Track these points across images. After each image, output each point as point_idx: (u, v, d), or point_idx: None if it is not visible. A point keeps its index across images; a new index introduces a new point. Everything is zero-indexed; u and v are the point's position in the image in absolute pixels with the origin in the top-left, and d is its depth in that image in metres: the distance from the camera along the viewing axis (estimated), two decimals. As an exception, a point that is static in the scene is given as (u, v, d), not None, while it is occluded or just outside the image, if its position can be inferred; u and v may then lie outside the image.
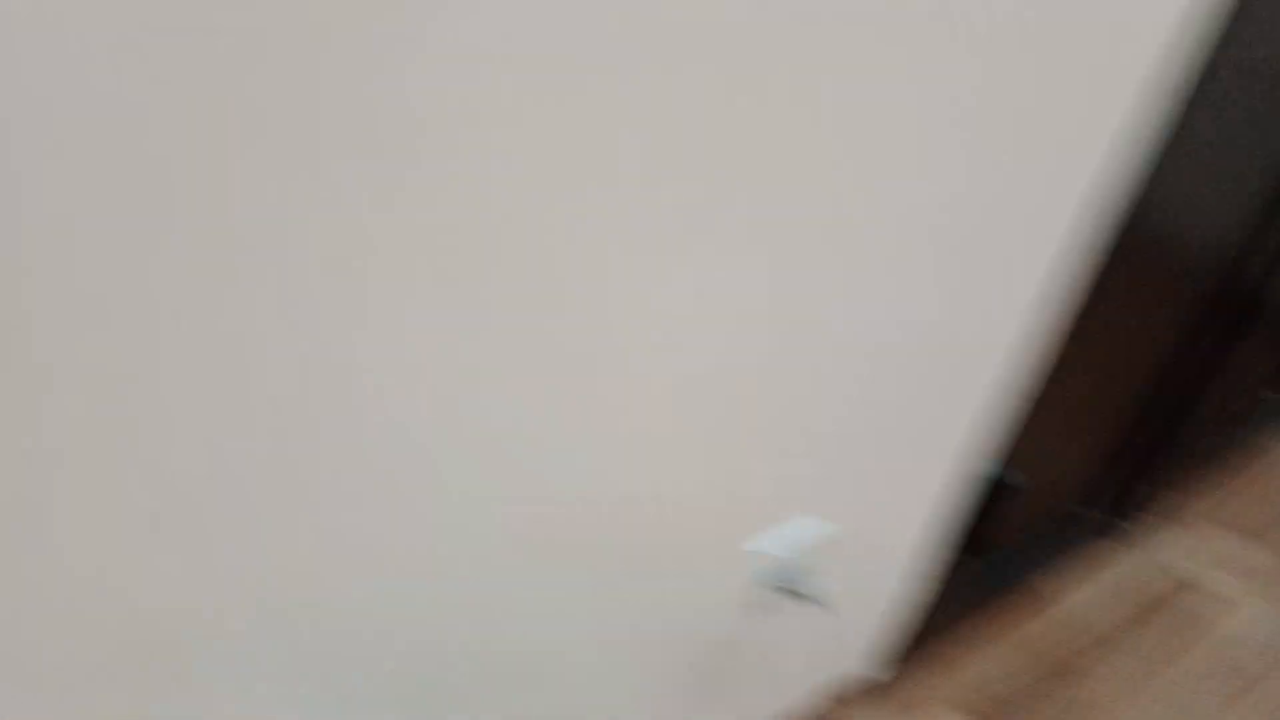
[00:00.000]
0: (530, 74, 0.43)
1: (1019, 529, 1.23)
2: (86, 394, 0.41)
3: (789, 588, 0.87)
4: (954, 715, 1.23)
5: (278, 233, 0.41)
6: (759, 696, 1.06)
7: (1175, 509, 1.58)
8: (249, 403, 0.45)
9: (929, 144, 0.61)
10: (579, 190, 0.47)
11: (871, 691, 1.24)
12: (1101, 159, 0.75)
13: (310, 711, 0.58)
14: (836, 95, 0.54)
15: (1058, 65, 0.65)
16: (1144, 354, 1.16)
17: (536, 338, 0.52)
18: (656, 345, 0.58)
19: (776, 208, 0.56)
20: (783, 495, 0.80)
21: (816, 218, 0.59)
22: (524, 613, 0.67)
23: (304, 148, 0.40)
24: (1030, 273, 0.81)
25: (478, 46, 0.41)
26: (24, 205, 0.36)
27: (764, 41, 0.49)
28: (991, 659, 1.31)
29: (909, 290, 0.70)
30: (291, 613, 0.53)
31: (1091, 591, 1.43)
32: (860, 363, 0.73)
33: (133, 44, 0.35)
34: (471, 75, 0.41)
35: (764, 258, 0.58)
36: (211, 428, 0.45)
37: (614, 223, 0.50)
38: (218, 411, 0.44)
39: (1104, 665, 1.33)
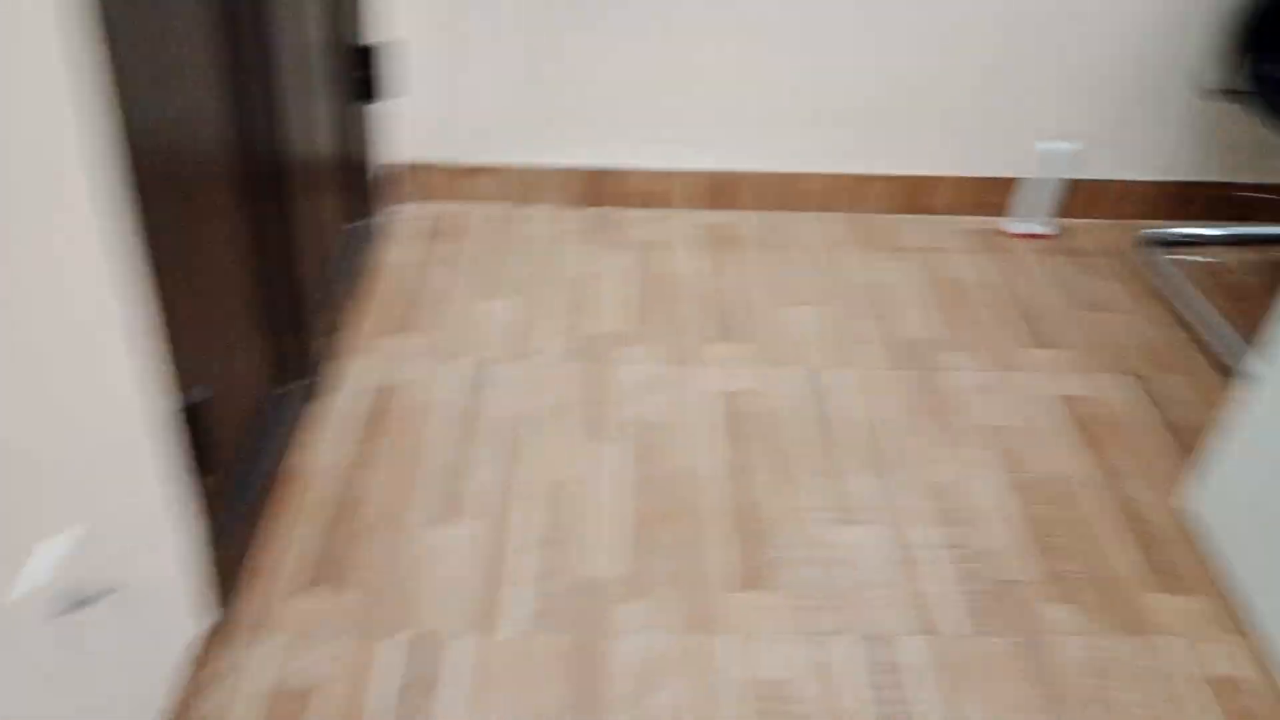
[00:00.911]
0: None
1: (235, 433, 1.36)
2: None
3: (82, 601, 0.89)
4: (300, 598, 1.38)
5: None
6: (132, 706, 1.07)
7: (347, 342, 1.86)
8: None
9: None
10: None
11: (220, 634, 1.32)
12: (71, 104, 0.84)
13: None
14: None
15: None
16: (236, 241, 1.32)
17: None
18: None
19: None
20: (18, 530, 0.81)
21: None
22: None
23: None
24: (85, 222, 0.89)
25: None
26: None
27: None
28: (296, 540, 1.46)
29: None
30: None
31: (331, 441, 1.64)
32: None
33: None
34: None
35: None
36: None
37: None
38: None
39: (375, 485, 1.57)
